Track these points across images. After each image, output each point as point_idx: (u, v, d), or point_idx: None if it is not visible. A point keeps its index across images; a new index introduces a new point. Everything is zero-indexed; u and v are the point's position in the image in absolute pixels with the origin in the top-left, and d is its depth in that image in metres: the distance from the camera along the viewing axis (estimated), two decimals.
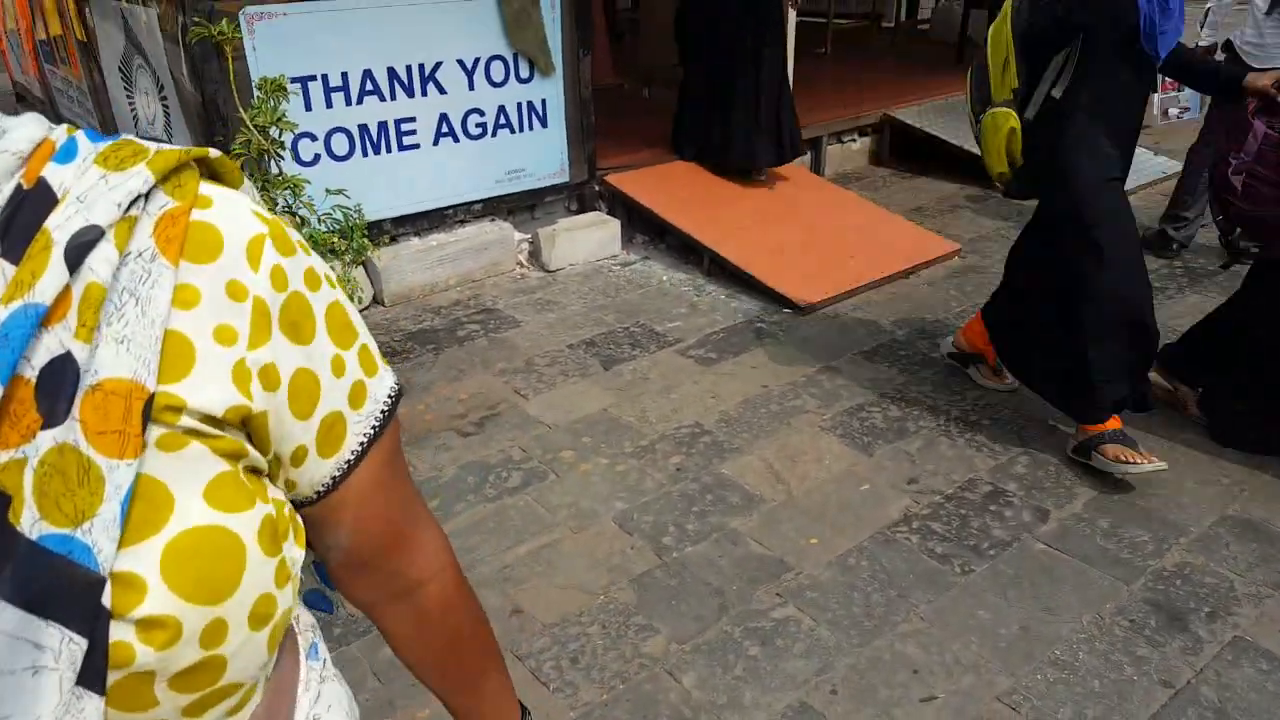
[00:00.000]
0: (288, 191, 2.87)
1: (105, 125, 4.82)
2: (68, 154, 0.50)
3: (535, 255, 4.17)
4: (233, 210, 0.53)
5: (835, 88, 5.74)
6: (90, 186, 0.48)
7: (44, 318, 0.46)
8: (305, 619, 0.71)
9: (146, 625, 0.47)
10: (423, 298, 3.88)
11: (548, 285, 3.98)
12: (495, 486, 2.64)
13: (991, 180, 2.79)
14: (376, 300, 3.84)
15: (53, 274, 0.46)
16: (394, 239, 3.81)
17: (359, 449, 0.61)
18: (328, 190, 3.06)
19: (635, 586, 2.25)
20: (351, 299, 2.54)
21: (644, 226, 4.39)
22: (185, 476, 0.49)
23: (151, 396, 0.47)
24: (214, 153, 0.56)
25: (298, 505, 0.60)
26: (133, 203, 0.49)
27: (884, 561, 2.31)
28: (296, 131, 3.14)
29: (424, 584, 0.71)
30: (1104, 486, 2.56)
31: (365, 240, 2.98)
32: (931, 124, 5.26)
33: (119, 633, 0.46)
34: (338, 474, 0.60)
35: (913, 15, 8.11)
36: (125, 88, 4.22)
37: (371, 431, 0.61)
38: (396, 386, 0.64)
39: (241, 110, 2.85)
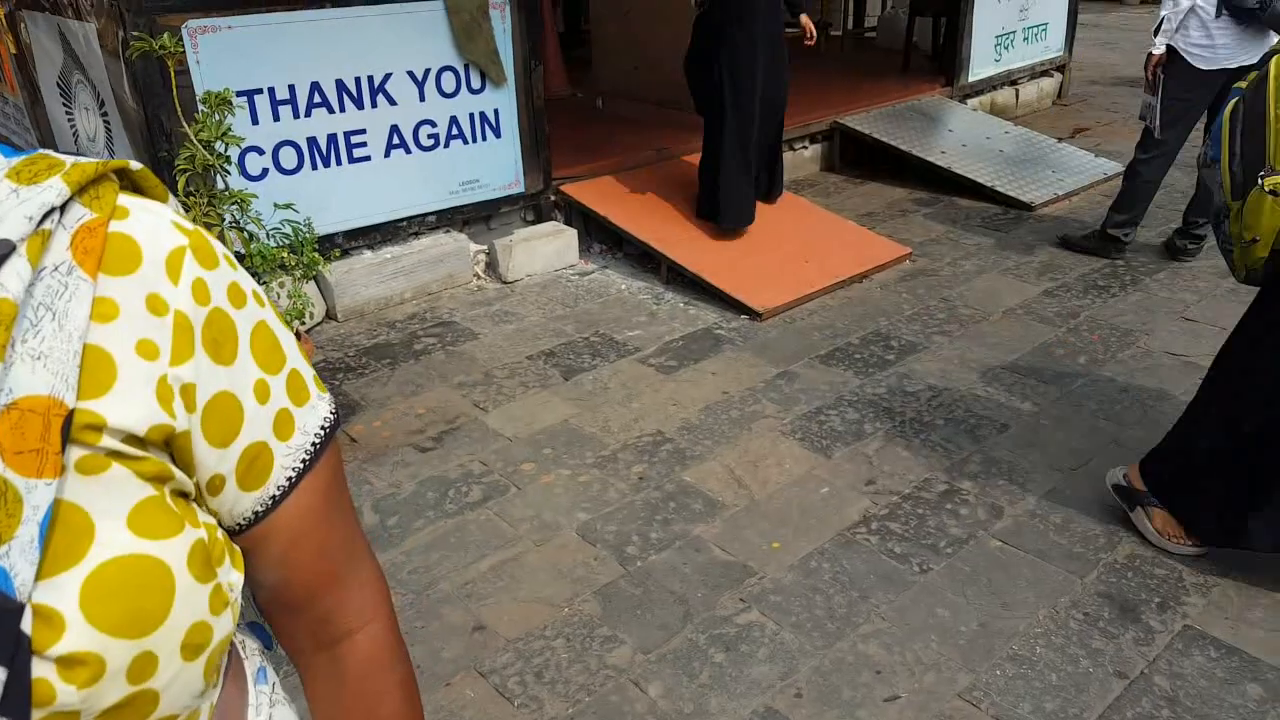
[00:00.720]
0: (234, 207, 2.82)
1: (44, 142, 4.69)
2: None
3: (492, 266, 4.15)
4: (152, 221, 0.52)
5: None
6: (1, 200, 0.47)
7: None
8: (251, 643, 0.69)
9: (67, 663, 0.44)
10: (377, 312, 3.84)
11: (505, 296, 3.97)
12: (455, 502, 2.62)
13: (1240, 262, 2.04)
14: (329, 315, 3.79)
15: None
16: (346, 253, 3.77)
17: (285, 484, 0.58)
18: (276, 205, 3.01)
19: (599, 598, 2.25)
20: (302, 315, 2.49)
21: (601, 235, 4.40)
22: (107, 502, 0.47)
23: (71, 413, 0.46)
24: (135, 165, 0.54)
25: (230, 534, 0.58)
26: (46, 215, 0.47)
27: (845, 563, 2.33)
28: (243, 146, 3.09)
29: (351, 634, 0.65)
30: (1054, 482, 2.62)
31: (315, 255, 2.93)
32: (880, 130, 5.35)
33: (39, 670, 0.44)
34: (260, 509, 0.57)
35: (859, 24, 8.25)
36: (64, 104, 4.12)
37: (300, 466, 0.59)
38: (332, 416, 0.61)
39: (185, 125, 2.80)
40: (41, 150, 0.51)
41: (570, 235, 4.25)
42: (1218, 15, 3.58)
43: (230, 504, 0.56)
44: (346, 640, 0.65)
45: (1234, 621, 2.09)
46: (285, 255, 2.89)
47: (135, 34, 2.91)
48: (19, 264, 0.46)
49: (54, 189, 0.48)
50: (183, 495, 0.52)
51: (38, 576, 0.44)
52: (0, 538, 0.43)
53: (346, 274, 3.75)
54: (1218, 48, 3.64)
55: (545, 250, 4.16)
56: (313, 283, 3.50)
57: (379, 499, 2.64)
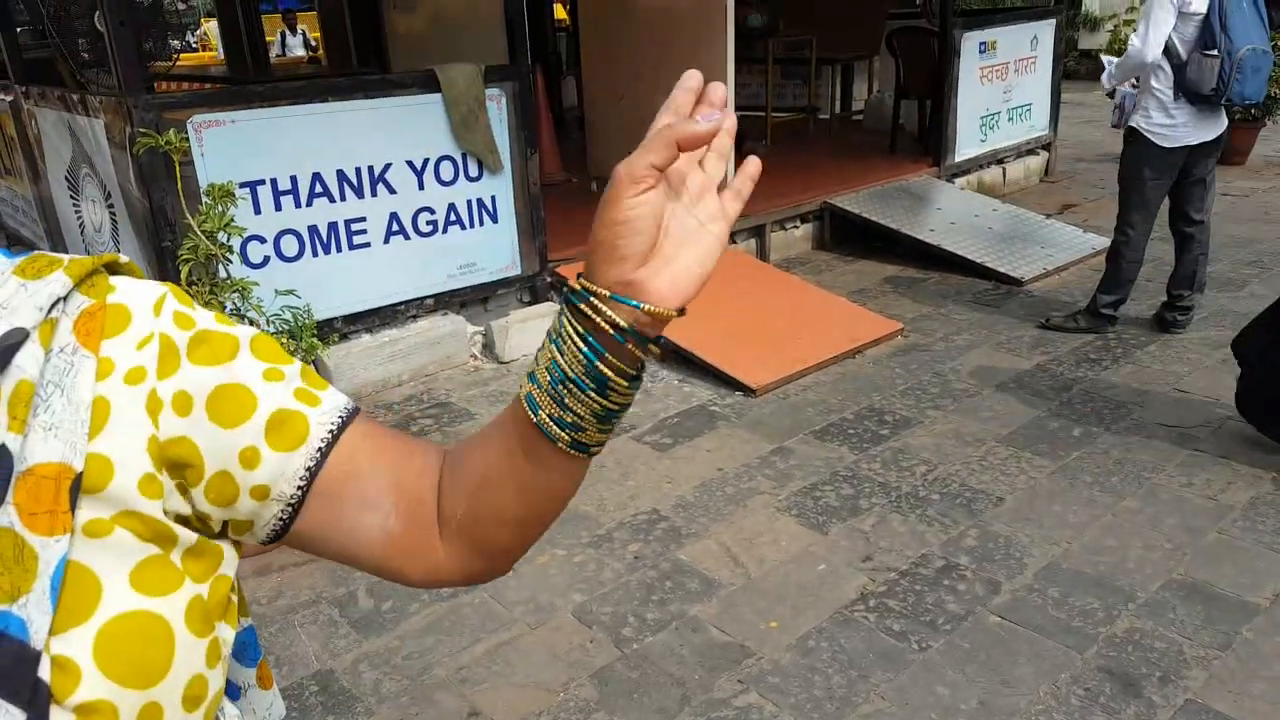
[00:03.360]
0: (235, 295, 2.88)
1: (51, 235, 4.81)
2: None
3: (489, 347, 4.20)
4: (135, 286, 0.58)
5: (776, 177, 5.95)
6: (11, 294, 0.53)
7: None
8: (229, 709, 0.70)
9: (85, 711, 0.48)
10: (375, 394, 3.87)
11: (502, 376, 4.00)
12: None
13: None
14: None
15: None
16: (345, 336, 3.82)
17: (332, 434, 0.60)
18: (277, 291, 3.07)
19: (595, 681, 2.22)
20: None
21: None
22: (112, 562, 0.51)
23: (79, 475, 0.50)
24: (123, 258, 0.60)
25: (292, 517, 0.59)
26: (53, 305, 0.53)
27: (843, 642, 2.31)
28: (245, 235, 3.17)
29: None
30: (1052, 556, 2.61)
31: (315, 340, 2.98)
32: (869, 210, 5.48)
33: (59, 718, 0.48)
34: (310, 464, 0.59)
35: (847, 107, 8.50)
36: (72, 196, 4.24)
37: (340, 419, 0.61)
38: (351, 404, 0.64)
39: (189, 217, 2.88)
40: (38, 250, 0.57)
41: None
42: (1175, 99, 3.73)
43: (278, 469, 0.58)
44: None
45: (1237, 695, 2.06)
46: (285, 340, 2.94)
47: (142, 130, 3.02)
48: (33, 349, 0.52)
49: (59, 281, 0.54)
50: (198, 547, 0.55)
51: (54, 630, 0.48)
52: (19, 591, 0.48)
53: (345, 357, 3.79)
54: (1178, 126, 3.77)
55: (541, 330, 4.20)
56: (311, 367, 3.54)
57: (373, 583, 2.62)
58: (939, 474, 3.07)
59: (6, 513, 0.49)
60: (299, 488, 0.59)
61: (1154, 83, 3.75)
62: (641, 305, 0.56)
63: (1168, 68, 3.71)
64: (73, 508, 0.50)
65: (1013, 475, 3.04)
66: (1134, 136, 3.88)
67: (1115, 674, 2.15)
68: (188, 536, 0.55)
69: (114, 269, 0.59)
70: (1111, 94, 4.06)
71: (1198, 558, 2.56)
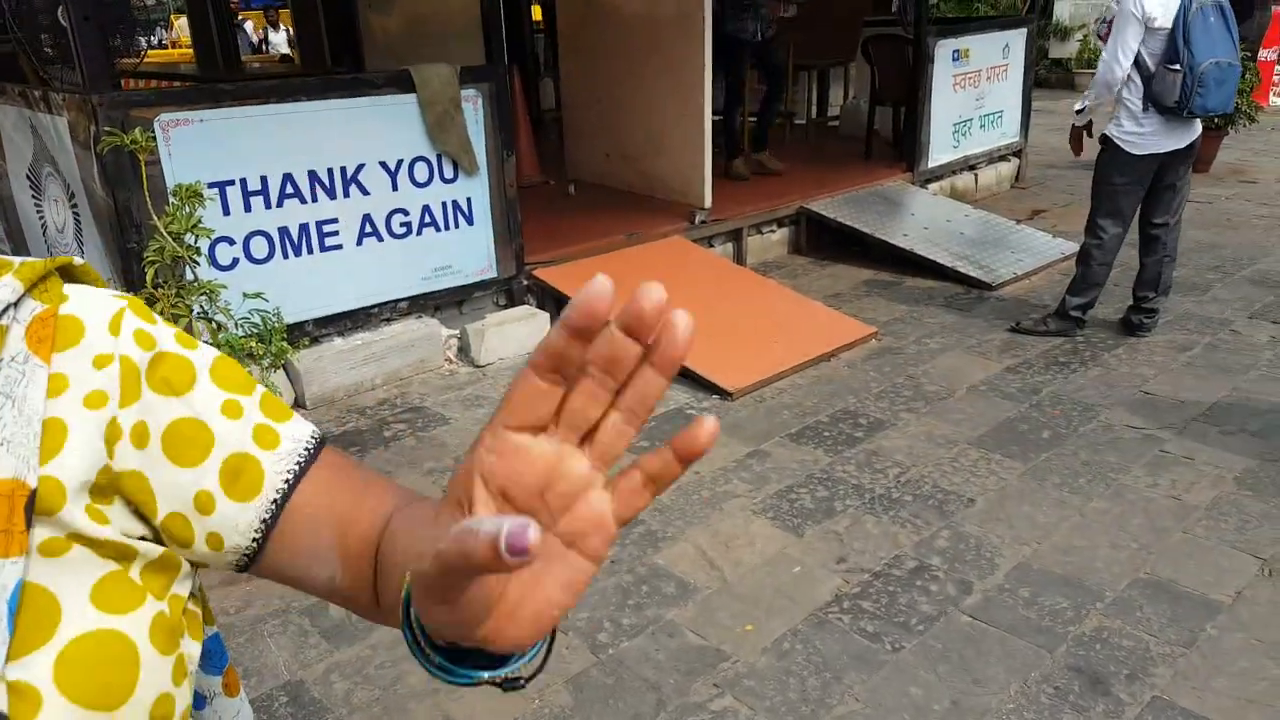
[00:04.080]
0: (203, 298, 2.84)
1: (11, 235, 4.71)
2: None
3: (464, 351, 4.18)
4: (91, 296, 0.55)
5: (753, 182, 5.99)
6: None
7: None
8: None
9: None
10: (347, 399, 3.83)
11: (477, 380, 3.98)
12: None
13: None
14: (298, 403, 3.78)
15: None
16: (316, 340, 3.78)
17: (285, 487, 0.58)
18: (245, 294, 3.03)
19: (571, 687, 2.21)
20: None
21: None
22: (71, 581, 0.49)
23: (33, 493, 0.48)
24: (77, 260, 0.57)
25: (249, 563, 0.58)
26: (3, 311, 0.51)
27: (818, 644, 2.31)
28: (213, 236, 3.12)
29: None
30: (1022, 556, 2.63)
31: (284, 344, 2.95)
32: (844, 214, 5.52)
33: None
34: (267, 516, 0.57)
35: (823, 113, 8.55)
36: (34, 195, 4.15)
37: (296, 467, 0.58)
38: (319, 433, 0.61)
39: (155, 218, 2.83)
40: None
41: (543, 319, 4.30)
42: (1145, 109, 3.80)
43: (231, 520, 0.56)
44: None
45: (1200, 691, 2.09)
46: (254, 344, 2.90)
47: (107, 129, 2.97)
48: None
49: (8, 286, 0.51)
50: (159, 563, 0.53)
51: (11, 656, 0.46)
52: None
53: (316, 361, 3.75)
54: (1147, 134, 3.84)
55: (518, 334, 4.20)
56: (282, 371, 3.50)
57: None
58: (911, 476, 3.09)
59: None
60: (254, 540, 0.57)
61: (1125, 93, 3.83)
62: (479, 677, 0.47)
63: (1138, 79, 3.78)
64: (28, 526, 0.47)
65: (983, 477, 3.07)
66: (1107, 144, 3.95)
67: (1084, 672, 2.17)
68: (148, 549, 0.53)
69: (69, 273, 0.57)
70: (1082, 110, 4.09)
71: (1163, 557, 2.60)
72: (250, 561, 0.58)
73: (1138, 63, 3.76)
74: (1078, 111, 4.08)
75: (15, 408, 0.49)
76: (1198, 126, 3.91)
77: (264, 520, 0.57)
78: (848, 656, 2.26)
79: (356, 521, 0.59)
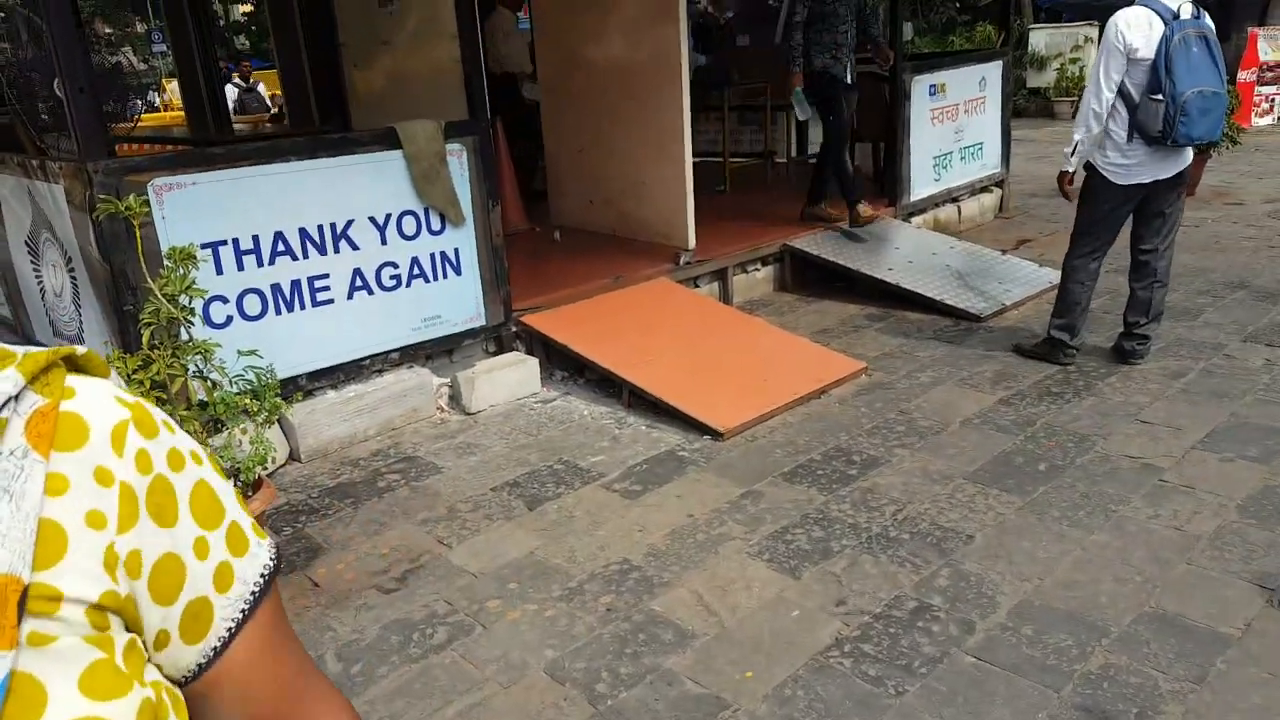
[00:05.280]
0: (198, 357, 2.84)
1: (11, 299, 4.73)
2: None
3: (455, 399, 4.17)
4: (96, 398, 0.56)
5: (737, 221, 6.04)
6: None
7: None
8: None
9: None
10: (341, 450, 3.82)
11: (469, 428, 3.97)
12: (420, 645, 2.55)
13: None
14: (293, 457, 3.76)
15: None
16: (309, 394, 3.77)
17: (226, 635, 0.60)
18: (240, 351, 3.03)
19: None
20: (264, 461, 2.49)
21: (562, 363, 4.46)
22: (58, 669, 0.49)
23: (26, 588, 0.48)
24: (80, 350, 0.58)
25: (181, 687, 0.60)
26: (3, 405, 0.51)
27: (819, 689, 2.29)
28: (207, 296, 3.14)
29: None
30: (1024, 594, 2.62)
31: (278, 400, 2.95)
32: (828, 251, 5.56)
33: None
34: (202, 661, 0.60)
35: (803, 151, 8.67)
36: (32, 261, 4.18)
37: (239, 616, 0.61)
38: (271, 564, 0.64)
39: (150, 280, 2.84)
40: None
41: (532, 364, 4.30)
42: (1129, 140, 3.84)
43: (175, 657, 0.58)
44: None
45: None
46: (248, 402, 2.90)
47: (102, 196, 3.00)
48: None
49: (10, 379, 0.52)
50: (131, 648, 0.55)
51: None
52: None
53: (310, 414, 3.74)
54: (1132, 166, 3.88)
55: (507, 380, 4.20)
56: (276, 425, 3.49)
57: (342, 645, 2.57)
58: (908, 513, 3.08)
59: None
60: (184, 677, 0.60)
61: (1111, 124, 3.86)
62: None
63: (1123, 110, 3.82)
64: (19, 621, 0.48)
65: (981, 512, 3.05)
66: (1091, 171, 4.00)
67: (1092, 711, 2.15)
68: (122, 636, 0.54)
69: (73, 362, 0.58)
70: (1073, 152, 4.07)
71: (1168, 590, 2.58)
72: (181, 687, 0.61)
73: (1123, 93, 3.81)
74: (1069, 155, 4.06)
75: (13, 503, 0.49)
76: (1187, 155, 3.92)
77: (199, 664, 0.60)
78: (850, 701, 2.24)
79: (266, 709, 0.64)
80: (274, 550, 0.65)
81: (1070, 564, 2.73)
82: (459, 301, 4.19)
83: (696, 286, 5.26)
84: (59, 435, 0.53)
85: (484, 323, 4.29)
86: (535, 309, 4.51)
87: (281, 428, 3.71)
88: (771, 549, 2.92)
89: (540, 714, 2.27)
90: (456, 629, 2.61)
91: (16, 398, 0.52)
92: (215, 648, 0.60)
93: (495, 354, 4.40)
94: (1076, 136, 4.00)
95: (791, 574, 2.78)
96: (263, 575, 0.63)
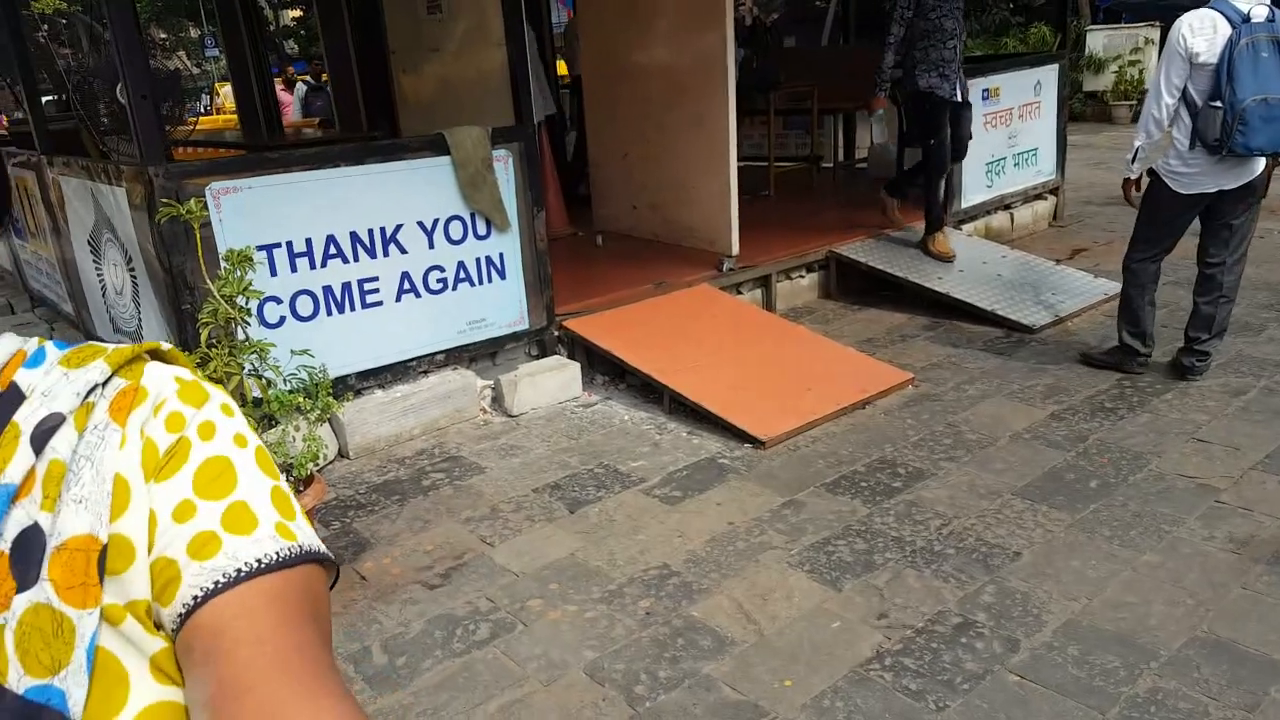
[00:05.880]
0: (253, 356, 2.92)
1: (74, 296, 4.90)
2: (36, 360, 0.59)
3: (498, 401, 4.22)
4: (157, 372, 0.60)
5: (781, 227, 6.01)
6: (54, 383, 0.57)
7: (13, 495, 0.53)
8: None
9: None
10: (387, 449, 3.88)
11: (511, 430, 4.01)
12: (463, 640, 2.59)
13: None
14: (341, 454, 3.84)
15: (20, 458, 0.54)
16: (358, 393, 3.85)
17: (192, 601, 0.53)
18: (293, 351, 3.11)
19: None
20: (316, 457, 2.54)
21: (604, 368, 4.48)
22: (132, 651, 0.53)
23: (105, 546, 0.53)
24: (165, 346, 0.63)
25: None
26: (90, 391, 0.57)
27: (859, 701, 2.27)
28: (262, 297, 3.22)
29: None
30: (1071, 613, 2.57)
31: (330, 399, 3.01)
32: (875, 258, 5.50)
33: None
34: (173, 627, 0.54)
35: (850, 155, 8.59)
36: (94, 260, 4.32)
37: (212, 586, 0.53)
38: (277, 556, 0.55)
39: (209, 281, 2.93)
40: (90, 342, 0.62)
41: (574, 369, 4.33)
42: (1191, 147, 3.73)
43: (157, 614, 0.55)
44: None
45: None
46: (301, 400, 2.97)
47: (164, 200, 3.09)
48: (68, 432, 0.55)
49: (98, 369, 0.58)
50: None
51: (89, 719, 0.50)
52: (60, 664, 0.51)
53: (358, 413, 3.82)
54: (1194, 175, 3.77)
55: (549, 384, 4.24)
56: (326, 423, 3.57)
57: (388, 638, 2.62)
58: (954, 528, 3.04)
59: (43, 589, 0.51)
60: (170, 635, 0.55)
61: (1175, 131, 3.78)
62: None
63: (1187, 117, 3.72)
64: (100, 580, 0.52)
65: (1029, 529, 3.00)
66: (1154, 176, 3.93)
67: None
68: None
69: (158, 354, 0.62)
70: (1134, 159, 4.01)
71: (1222, 614, 2.51)
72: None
73: (1187, 99, 3.70)
74: (1130, 161, 3.99)
75: (94, 468, 0.54)
76: (1257, 165, 3.77)
77: (172, 628, 0.54)
78: (890, 715, 2.22)
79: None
80: (295, 553, 0.57)
81: (1120, 585, 2.67)
82: (503, 305, 4.23)
83: (739, 293, 5.25)
84: (133, 406, 0.58)
85: (527, 327, 4.33)
86: (577, 314, 4.54)
87: (331, 425, 3.79)
88: (813, 559, 2.90)
89: (579, 713, 2.28)
90: (499, 626, 2.64)
91: (104, 384, 0.58)
92: (181, 613, 0.53)
93: (538, 358, 4.44)
94: (1137, 142, 3.91)
95: (833, 585, 2.76)
96: (259, 561, 0.54)
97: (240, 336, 2.97)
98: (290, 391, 3.01)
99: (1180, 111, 3.73)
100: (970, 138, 5.55)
